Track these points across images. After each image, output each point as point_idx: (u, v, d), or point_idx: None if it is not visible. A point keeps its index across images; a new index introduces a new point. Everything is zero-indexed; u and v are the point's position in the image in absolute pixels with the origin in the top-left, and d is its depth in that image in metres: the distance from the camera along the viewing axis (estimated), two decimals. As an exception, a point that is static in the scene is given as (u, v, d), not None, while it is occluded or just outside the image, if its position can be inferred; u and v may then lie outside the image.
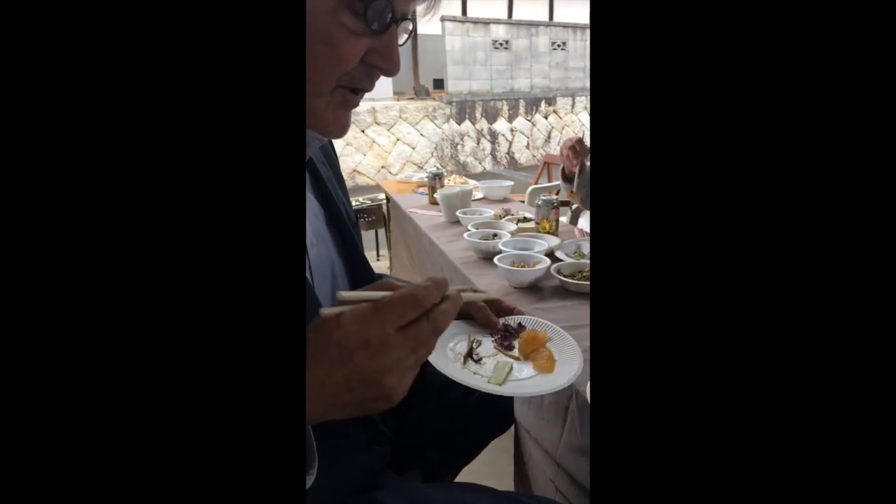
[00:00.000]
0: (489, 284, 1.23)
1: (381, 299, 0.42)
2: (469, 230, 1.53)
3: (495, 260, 1.23)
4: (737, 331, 0.30)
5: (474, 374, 0.63)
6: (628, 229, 0.32)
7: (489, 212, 1.77)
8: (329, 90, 0.49)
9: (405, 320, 0.41)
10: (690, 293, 0.31)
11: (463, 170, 8.29)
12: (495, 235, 1.49)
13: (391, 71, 0.49)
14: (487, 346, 0.69)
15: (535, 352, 0.66)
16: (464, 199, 1.86)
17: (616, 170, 0.32)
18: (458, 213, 1.77)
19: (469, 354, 0.66)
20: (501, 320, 0.71)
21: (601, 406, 0.32)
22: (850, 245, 0.29)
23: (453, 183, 2.34)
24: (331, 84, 0.49)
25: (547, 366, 0.64)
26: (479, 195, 2.19)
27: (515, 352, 0.67)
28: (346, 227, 0.69)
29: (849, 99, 0.29)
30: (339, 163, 0.77)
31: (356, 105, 0.52)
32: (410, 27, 0.53)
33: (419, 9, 0.54)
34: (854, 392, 0.29)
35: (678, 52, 0.31)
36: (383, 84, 8.79)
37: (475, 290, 0.71)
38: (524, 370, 0.64)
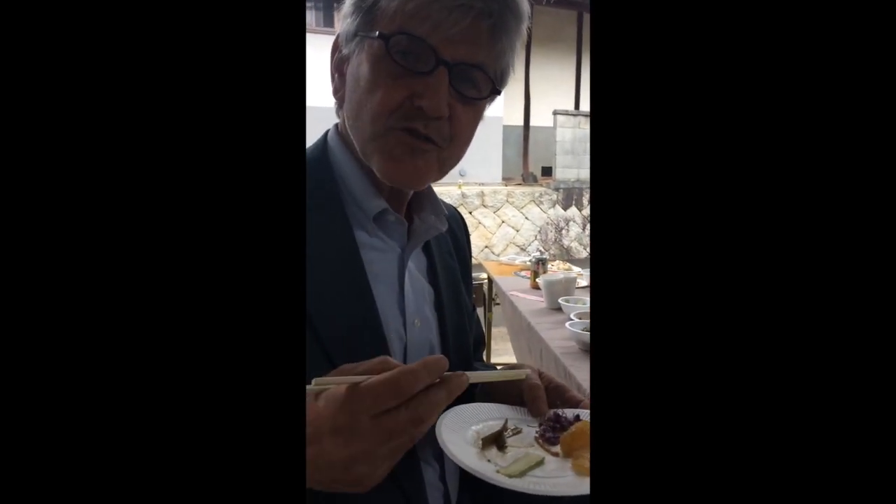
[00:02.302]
0: (588, 379, 1.14)
1: (360, 383, 0.39)
2: (571, 319, 1.47)
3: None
4: (736, 346, 0.30)
5: (488, 461, 0.50)
6: (628, 243, 0.31)
7: (593, 301, 1.69)
8: (381, 132, 0.53)
9: (380, 408, 0.38)
10: (691, 305, 0.30)
11: (566, 254, 8.18)
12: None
13: (432, 109, 0.51)
14: (527, 435, 0.56)
15: (581, 449, 0.51)
16: (567, 286, 1.81)
17: (617, 182, 0.31)
18: (560, 301, 1.72)
19: (495, 439, 0.53)
20: (556, 410, 0.59)
21: (601, 417, 0.31)
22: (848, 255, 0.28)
23: (557, 269, 2.30)
24: (380, 126, 0.52)
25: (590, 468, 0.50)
26: (583, 283, 2.13)
27: (559, 448, 0.53)
28: (454, 316, 0.68)
29: (848, 104, 0.28)
30: (470, 256, 0.78)
31: (418, 150, 0.53)
32: (489, 95, 0.55)
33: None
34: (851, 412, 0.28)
35: (680, 56, 0.30)
36: (493, 170, 9.14)
37: (517, 368, 0.60)
38: (559, 469, 0.51)
